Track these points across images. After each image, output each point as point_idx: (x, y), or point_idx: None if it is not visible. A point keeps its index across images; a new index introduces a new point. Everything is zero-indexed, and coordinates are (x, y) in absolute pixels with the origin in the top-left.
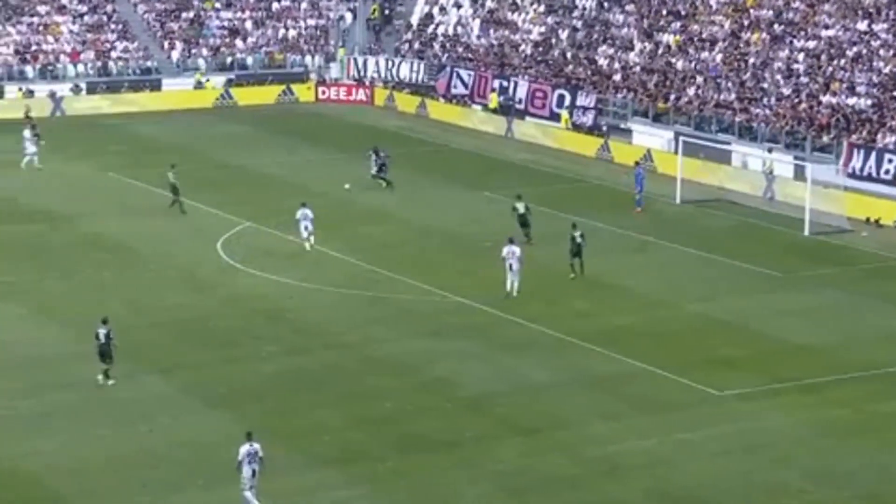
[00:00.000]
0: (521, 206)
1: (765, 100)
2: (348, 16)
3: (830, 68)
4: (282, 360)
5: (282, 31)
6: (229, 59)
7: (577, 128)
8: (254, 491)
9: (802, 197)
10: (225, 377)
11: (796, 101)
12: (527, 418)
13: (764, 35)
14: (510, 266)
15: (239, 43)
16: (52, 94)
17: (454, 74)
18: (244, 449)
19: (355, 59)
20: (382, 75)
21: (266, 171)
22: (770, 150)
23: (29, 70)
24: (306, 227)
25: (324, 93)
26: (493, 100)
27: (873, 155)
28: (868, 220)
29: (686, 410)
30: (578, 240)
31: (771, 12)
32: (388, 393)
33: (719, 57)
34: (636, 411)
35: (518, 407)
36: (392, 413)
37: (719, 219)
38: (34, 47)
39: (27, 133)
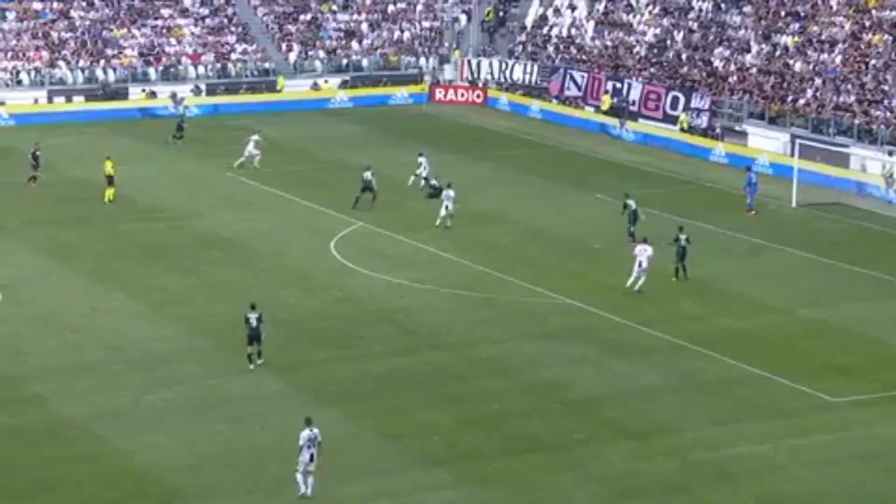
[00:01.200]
0: (632, 203)
1: (885, 102)
2: (463, 18)
3: None
4: (391, 359)
5: (397, 33)
6: (345, 61)
7: (692, 130)
8: (310, 476)
9: None
10: (336, 376)
11: None
12: (636, 422)
13: (886, 36)
14: (640, 263)
15: (354, 45)
16: (174, 95)
17: (567, 76)
18: (305, 434)
19: (469, 61)
20: (496, 77)
21: (380, 172)
22: (890, 153)
23: (152, 72)
24: (447, 207)
25: (437, 95)
26: (607, 101)
27: None
28: None
29: (798, 417)
30: (683, 243)
31: (894, 13)
32: (495, 394)
33: (839, 59)
34: (747, 417)
35: (627, 410)
36: (500, 414)
37: (836, 223)
38: (157, 49)
39: (253, 142)
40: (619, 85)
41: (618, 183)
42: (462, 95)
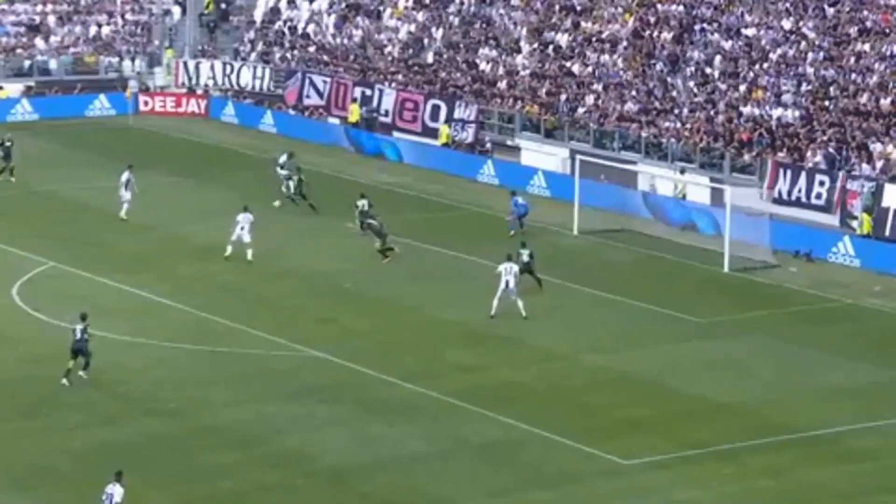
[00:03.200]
0: (362, 204)
1: (675, 111)
2: (176, 10)
3: (752, 73)
4: (95, 431)
5: (93, 29)
6: (27, 63)
7: (455, 145)
8: None
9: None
10: (25, 454)
11: (712, 112)
12: (399, 496)
13: (669, 34)
14: (507, 283)
15: (39, 42)
16: None
17: (307, 81)
18: (107, 490)
19: (185, 63)
20: (219, 82)
21: (77, 199)
22: (682, 171)
23: None
24: (242, 229)
25: (147, 103)
26: (355, 112)
27: (803, 176)
28: (797, 253)
29: (586, 483)
30: (526, 258)
31: (682, 7)
32: (227, 470)
33: (620, 61)
34: (528, 485)
35: (388, 483)
36: (233, 494)
37: (625, 252)
38: None
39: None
40: (368, 92)
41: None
42: (177, 105)
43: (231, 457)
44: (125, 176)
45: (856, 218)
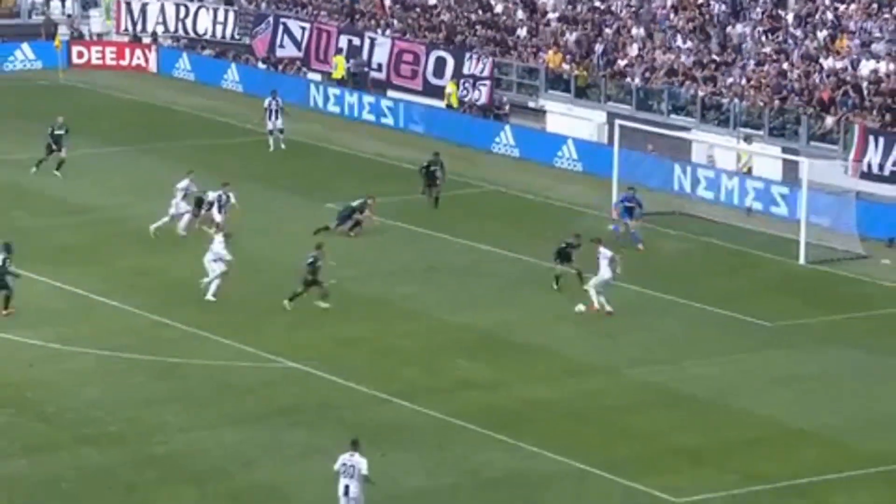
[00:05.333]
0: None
1: (739, 64)
2: None
3: (834, 17)
4: (18, 462)
5: None
6: None
7: (465, 107)
8: None
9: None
10: None
11: (785, 65)
12: None
13: None
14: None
15: None
16: None
17: (280, 27)
18: (341, 459)
19: (129, 4)
20: (171, 29)
21: None
22: (748, 140)
23: None
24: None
25: (81, 55)
26: (340, 65)
27: None
28: (892, 241)
29: None
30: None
31: None
32: None
33: (670, 1)
34: None
35: None
36: None
37: (675, 240)
38: None
39: None
40: (356, 41)
41: (358, 186)
42: (119, 57)
43: (186, 495)
44: (184, 183)
45: None
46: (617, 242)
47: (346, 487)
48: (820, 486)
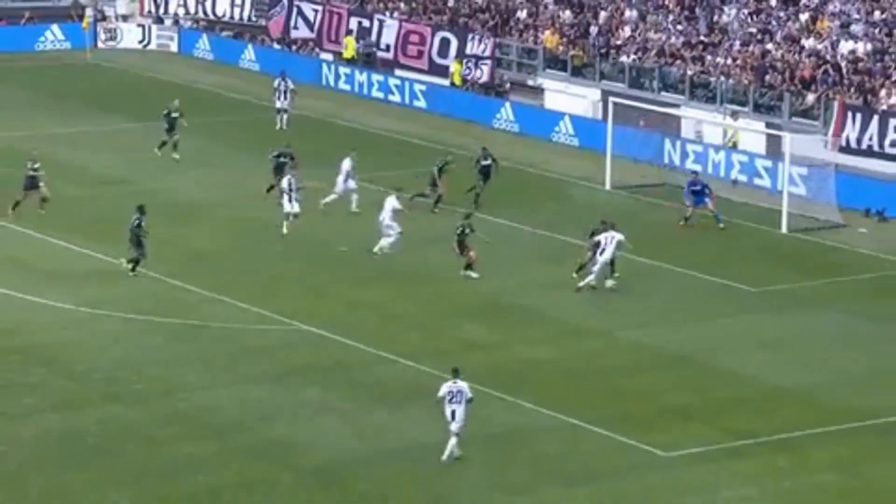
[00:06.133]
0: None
1: (726, 44)
2: None
3: (815, 0)
4: (49, 417)
5: None
6: None
7: (468, 84)
8: (455, 438)
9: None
10: None
11: (769, 45)
12: (400, 495)
13: None
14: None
15: None
16: None
17: (294, 10)
18: (445, 387)
19: None
20: (191, 11)
21: (23, 148)
22: (734, 116)
23: None
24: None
25: (111, 34)
26: (350, 46)
27: (875, 121)
28: (868, 211)
29: (619, 478)
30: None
31: None
32: (203, 462)
33: None
34: (551, 480)
35: (388, 480)
36: (208, 490)
37: (664, 211)
38: None
39: None
40: (366, 23)
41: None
42: (143, 38)
43: (206, 448)
44: (347, 163)
45: None
46: (686, 223)
47: (453, 412)
48: (800, 440)
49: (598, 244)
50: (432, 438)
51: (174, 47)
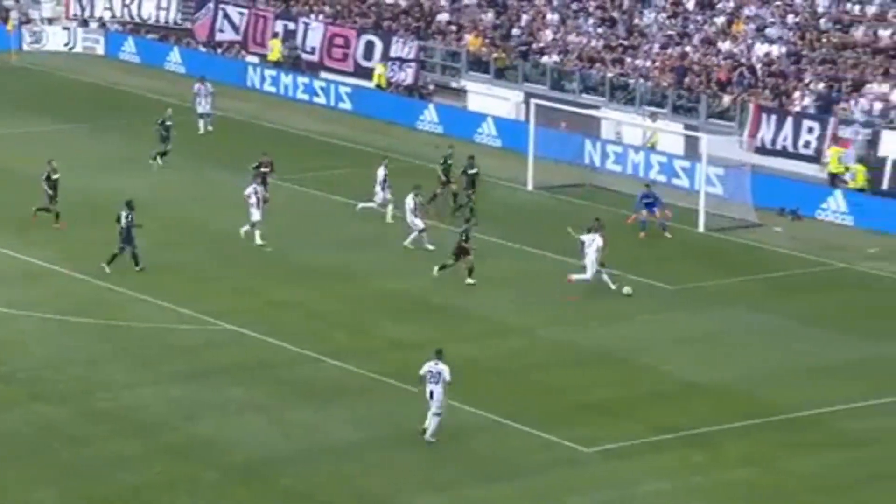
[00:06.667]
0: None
1: (644, 47)
2: None
3: (731, 3)
4: None
5: None
6: None
7: (392, 87)
8: (433, 416)
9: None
10: None
11: (686, 48)
12: (324, 492)
13: None
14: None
15: None
16: None
17: (220, 13)
18: (426, 366)
19: None
20: (117, 13)
21: None
22: (653, 117)
23: None
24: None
25: (34, 36)
26: (276, 49)
27: (789, 122)
28: (782, 210)
29: (542, 474)
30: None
31: None
32: (126, 461)
33: None
34: (476, 477)
35: (312, 477)
36: (132, 489)
37: (585, 210)
38: None
39: None
40: (291, 25)
41: (291, 162)
42: (69, 41)
43: (131, 447)
44: (381, 171)
45: (848, 170)
46: (646, 233)
47: (431, 392)
48: (717, 434)
49: (583, 244)
50: (357, 436)
51: (100, 50)
